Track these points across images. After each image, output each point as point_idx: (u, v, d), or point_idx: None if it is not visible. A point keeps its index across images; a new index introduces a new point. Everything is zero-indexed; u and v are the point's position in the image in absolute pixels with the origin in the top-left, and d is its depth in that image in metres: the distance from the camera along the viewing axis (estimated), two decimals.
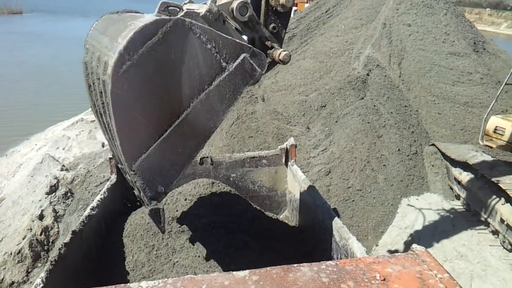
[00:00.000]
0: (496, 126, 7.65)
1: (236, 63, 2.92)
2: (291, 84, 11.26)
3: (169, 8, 2.99)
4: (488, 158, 7.70)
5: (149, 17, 2.68)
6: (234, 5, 3.09)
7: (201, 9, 3.03)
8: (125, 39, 2.44)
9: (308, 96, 10.31)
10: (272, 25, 3.31)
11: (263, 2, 3.30)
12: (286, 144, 5.59)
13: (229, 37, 2.91)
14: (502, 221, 6.70)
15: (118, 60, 2.44)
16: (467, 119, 9.80)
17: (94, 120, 13.08)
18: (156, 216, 2.97)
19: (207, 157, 5.39)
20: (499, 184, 6.71)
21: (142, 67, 2.55)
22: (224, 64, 2.88)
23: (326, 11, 14.60)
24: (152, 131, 2.73)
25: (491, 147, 7.93)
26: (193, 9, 3.05)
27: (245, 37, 3.26)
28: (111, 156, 4.89)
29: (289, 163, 5.47)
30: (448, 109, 9.99)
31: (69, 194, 8.03)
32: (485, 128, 7.84)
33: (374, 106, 9.50)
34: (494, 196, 7.01)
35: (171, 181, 2.92)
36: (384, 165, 8.38)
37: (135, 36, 2.47)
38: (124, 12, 3.30)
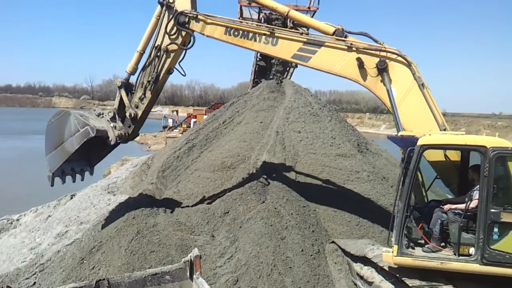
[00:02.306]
0: None
1: (83, 129, 8.61)
2: (193, 192, 11.27)
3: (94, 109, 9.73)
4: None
5: None
6: (107, 111, 9.40)
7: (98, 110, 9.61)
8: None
9: (211, 204, 10.34)
10: (127, 123, 9.45)
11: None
12: (190, 256, 5.44)
13: (85, 120, 8.74)
14: None
15: (49, 121, 9.28)
16: (360, 214, 10.46)
17: None
18: (50, 178, 9.06)
19: (104, 279, 4.97)
20: (397, 275, 7.00)
21: (53, 124, 9.18)
22: (80, 128, 8.65)
23: (223, 122, 15.37)
24: (53, 146, 9.07)
25: None
26: (96, 112, 9.54)
27: (112, 124, 9.27)
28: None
29: (194, 277, 5.27)
30: (342, 207, 10.62)
31: None
32: None
33: (275, 208, 9.77)
34: None
35: (56, 166, 8.99)
36: (290, 267, 8.41)
37: (52, 116, 9.27)
38: None
